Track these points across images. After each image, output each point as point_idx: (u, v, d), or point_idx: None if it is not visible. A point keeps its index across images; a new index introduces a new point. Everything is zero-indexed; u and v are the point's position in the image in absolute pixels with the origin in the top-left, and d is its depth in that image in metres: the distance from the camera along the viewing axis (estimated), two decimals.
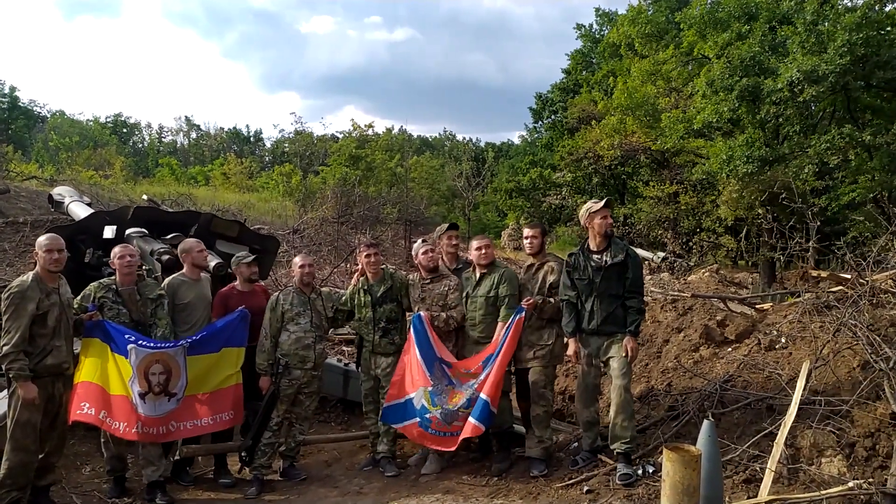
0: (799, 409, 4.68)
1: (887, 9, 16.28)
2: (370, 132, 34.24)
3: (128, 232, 6.89)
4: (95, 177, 23.86)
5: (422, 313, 5.71)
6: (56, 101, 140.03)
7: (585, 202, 5.71)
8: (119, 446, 5.31)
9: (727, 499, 4.24)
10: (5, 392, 4.96)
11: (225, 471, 5.88)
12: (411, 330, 5.69)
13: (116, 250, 5.39)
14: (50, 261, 4.82)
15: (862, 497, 4.00)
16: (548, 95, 40.17)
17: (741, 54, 16.20)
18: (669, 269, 19.22)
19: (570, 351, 5.46)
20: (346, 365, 7.50)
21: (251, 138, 66.16)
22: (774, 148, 16.70)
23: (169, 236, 6.83)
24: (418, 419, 5.53)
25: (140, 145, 64.54)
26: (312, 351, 5.75)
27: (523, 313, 5.47)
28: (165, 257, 6.34)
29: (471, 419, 5.39)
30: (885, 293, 5.93)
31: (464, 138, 67.23)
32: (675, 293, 9.09)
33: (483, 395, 5.37)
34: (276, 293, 5.89)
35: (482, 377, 5.43)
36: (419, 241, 6.39)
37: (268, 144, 62.85)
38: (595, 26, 38.37)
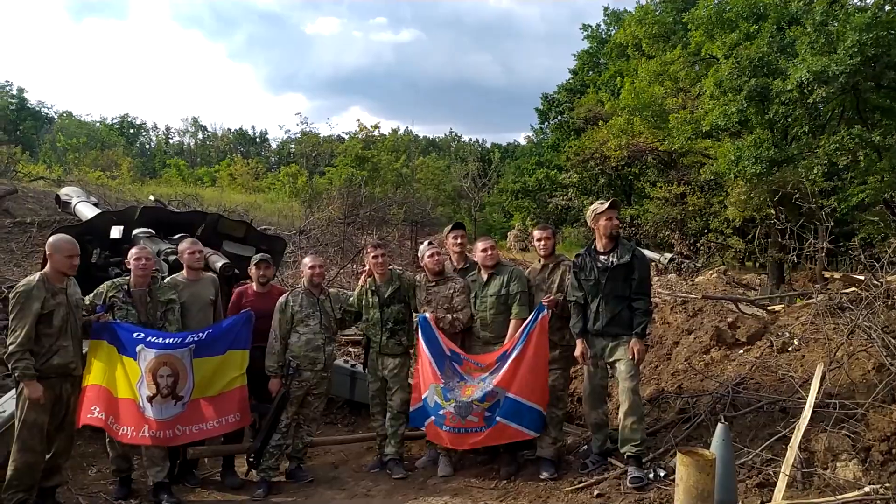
0: (813, 412, 4.61)
1: None
2: (376, 133, 34.28)
3: (135, 232, 6.86)
4: (103, 177, 23.92)
5: (427, 315, 5.67)
6: (64, 103, 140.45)
7: (592, 203, 5.67)
8: (124, 446, 5.27)
9: (740, 503, 4.18)
10: (13, 392, 4.94)
11: (232, 472, 5.84)
12: (419, 331, 5.66)
13: (133, 252, 5.38)
14: (70, 266, 4.83)
15: (878, 502, 3.94)
16: (554, 96, 40.10)
17: (749, 55, 16.12)
18: (677, 271, 19.13)
19: (577, 352, 5.42)
20: (353, 366, 7.46)
21: (257, 139, 66.30)
22: (783, 148, 16.61)
23: (175, 237, 6.81)
24: (434, 417, 5.50)
25: (147, 146, 64.76)
26: (322, 352, 5.72)
27: (546, 311, 5.40)
28: (172, 258, 6.32)
29: (502, 420, 5.32)
30: None
31: (470, 139, 67.30)
32: (685, 295, 9.02)
33: (513, 395, 5.30)
34: (285, 295, 5.85)
35: (501, 372, 5.35)
36: (425, 243, 6.35)
37: (274, 145, 62.98)
38: (602, 26, 38.31)
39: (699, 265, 19.93)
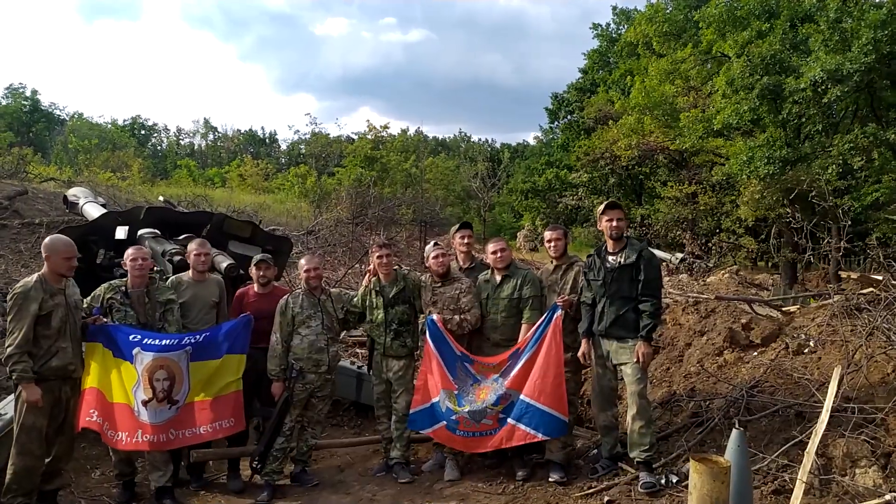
0: (830, 416, 4.47)
1: None
2: (385, 133, 34.22)
3: (140, 232, 6.82)
4: (113, 178, 23.97)
5: (434, 316, 5.59)
6: (76, 104, 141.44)
7: (602, 203, 5.58)
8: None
9: None
10: (12, 396, 4.88)
11: (236, 475, 5.76)
12: (427, 333, 5.57)
13: (129, 252, 5.30)
14: (68, 267, 4.76)
15: None
16: (564, 95, 39.97)
17: (762, 52, 15.93)
18: (688, 271, 18.96)
19: (580, 352, 5.35)
20: (359, 368, 7.37)
21: (267, 140, 66.47)
22: (796, 148, 16.40)
23: (181, 237, 6.75)
24: (445, 422, 5.41)
25: (159, 148, 65.05)
26: (326, 354, 5.63)
27: (560, 311, 5.30)
28: (177, 258, 6.25)
29: (514, 422, 5.23)
30: None
31: (479, 139, 67.17)
32: (697, 295, 8.88)
33: (525, 398, 5.21)
34: (285, 296, 5.76)
35: (512, 373, 5.27)
36: (431, 244, 6.25)
37: (283, 146, 63.09)
38: (612, 25, 38.11)
39: (711, 265, 19.75)
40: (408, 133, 38.66)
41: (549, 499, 5.00)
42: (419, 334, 5.79)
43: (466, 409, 5.33)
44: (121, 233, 6.78)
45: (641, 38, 25.26)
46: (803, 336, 6.18)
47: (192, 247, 5.73)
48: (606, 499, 4.77)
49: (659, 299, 5.25)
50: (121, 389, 4.95)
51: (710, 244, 22.65)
